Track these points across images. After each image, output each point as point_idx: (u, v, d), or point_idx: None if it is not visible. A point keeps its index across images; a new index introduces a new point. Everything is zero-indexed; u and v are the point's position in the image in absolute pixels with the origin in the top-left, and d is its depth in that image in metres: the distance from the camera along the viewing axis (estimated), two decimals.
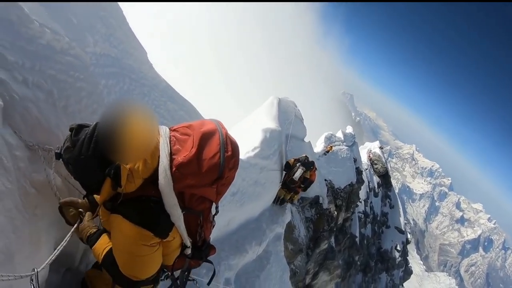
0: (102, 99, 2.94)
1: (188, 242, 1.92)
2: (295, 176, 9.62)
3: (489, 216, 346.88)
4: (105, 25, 3.39)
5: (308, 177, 9.99)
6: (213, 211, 2.09)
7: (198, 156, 1.62)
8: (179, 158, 1.63)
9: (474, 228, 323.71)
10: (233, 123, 10.92)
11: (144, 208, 1.70)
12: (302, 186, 10.17)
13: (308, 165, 9.83)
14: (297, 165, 9.69)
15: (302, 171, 9.64)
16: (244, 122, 10.36)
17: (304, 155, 10.25)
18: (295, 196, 10.61)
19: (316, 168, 10.41)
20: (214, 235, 5.82)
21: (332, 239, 19.35)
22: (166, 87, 4.34)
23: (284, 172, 10.15)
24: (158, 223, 1.70)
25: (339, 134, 22.76)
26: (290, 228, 10.78)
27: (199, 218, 1.87)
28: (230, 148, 1.71)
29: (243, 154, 7.25)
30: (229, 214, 6.33)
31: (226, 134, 1.75)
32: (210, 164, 1.62)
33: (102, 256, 1.93)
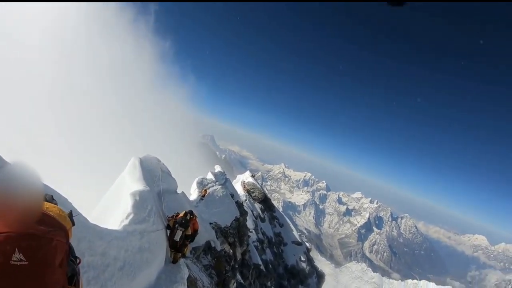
0: None
1: None
2: (175, 238, 9.92)
3: (370, 198, 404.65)
4: None
5: (190, 233, 10.29)
6: None
7: None
8: None
9: (362, 214, 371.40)
10: (98, 196, 10.19)
11: None
12: (187, 242, 10.36)
13: (186, 223, 10.14)
14: (176, 226, 9.98)
15: (181, 232, 9.96)
16: (110, 192, 9.78)
17: (183, 212, 10.42)
18: (185, 250, 10.55)
19: (195, 216, 10.61)
20: None
21: (238, 276, 19.41)
22: None
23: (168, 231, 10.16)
24: None
25: (210, 176, 23.32)
26: (192, 282, 10.50)
27: None
28: None
29: (117, 225, 6.88)
30: None
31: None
32: None
33: None
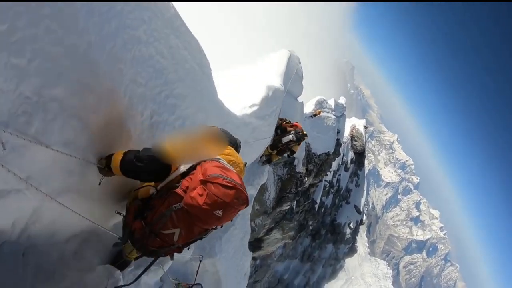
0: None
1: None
2: (283, 140, 9.14)
3: (442, 225, 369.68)
4: None
5: (295, 150, 9.54)
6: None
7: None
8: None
9: (425, 231, 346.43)
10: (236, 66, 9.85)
11: None
12: (289, 154, 9.75)
13: (299, 138, 9.25)
14: (292, 132, 9.15)
15: (290, 139, 9.11)
16: (249, 70, 9.25)
17: (301, 129, 9.52)
18: (276, 157, 10.10)
19: (304, 139, 9.77)
20: None
21: (294, 202, 19.57)
22: (173, 16, 3.30)
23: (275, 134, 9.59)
24: None
25: (331, 102, 22.10)
26: (262, 190, 10.41)
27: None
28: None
29: (238, 110, 6.38)
30: None
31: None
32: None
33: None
